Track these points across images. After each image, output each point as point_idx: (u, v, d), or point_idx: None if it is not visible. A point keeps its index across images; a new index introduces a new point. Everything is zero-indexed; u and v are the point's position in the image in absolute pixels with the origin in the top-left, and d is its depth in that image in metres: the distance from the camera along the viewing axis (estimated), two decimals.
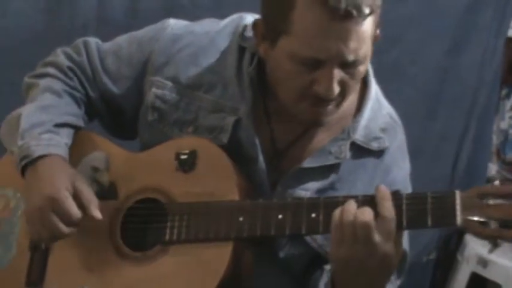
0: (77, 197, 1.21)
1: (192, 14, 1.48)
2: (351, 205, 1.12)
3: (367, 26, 1.14)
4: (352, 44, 1.13)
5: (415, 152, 2.33)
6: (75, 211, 1.19)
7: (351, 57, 1.14)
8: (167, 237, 1.20)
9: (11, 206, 1.31)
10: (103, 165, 1.27)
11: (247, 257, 1.21)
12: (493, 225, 1.09)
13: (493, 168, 2.52)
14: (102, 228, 1.23)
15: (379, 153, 1.27)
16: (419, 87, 2.33)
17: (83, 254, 1.23)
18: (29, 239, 1.28)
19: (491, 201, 1.09)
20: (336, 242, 1.12)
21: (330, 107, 1.19)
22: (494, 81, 2.43)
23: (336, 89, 1.16)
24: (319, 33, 1.13)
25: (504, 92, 2.54)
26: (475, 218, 1.09)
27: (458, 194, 1.10)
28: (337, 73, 1.15)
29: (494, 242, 1.10)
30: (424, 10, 2.22)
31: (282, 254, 1.25)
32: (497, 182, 1.11)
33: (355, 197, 1.15)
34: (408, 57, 2.26)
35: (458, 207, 1.09)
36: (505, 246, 1.11)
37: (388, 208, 1.11)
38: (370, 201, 1.13)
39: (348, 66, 1.16)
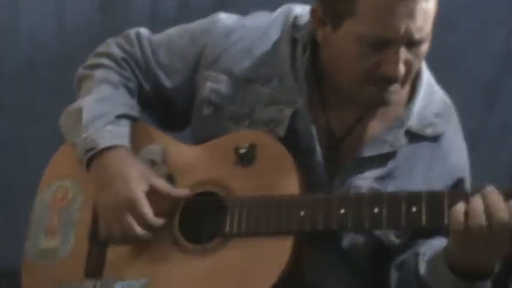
0: (154, 191, 1.23)
1: (243, 8, 1.48)
2: (479, 205, 1.08)
3: (432, 3, 1.15)
4: (419, 22, 1.14)
5: (474, 144, 2.26)
6: (152, 216, 1.22)
7: (417, 36, 1.15)
8: (227, 229, 1.20)
9: (69, 197, 1.32)
10: (160, 158, 1.27)
11: (307, 251, 1.19)
12: None
13: None
14: None
15: (435, 139, 1.26)
16: (477, 76, 2.28)
17: (141, 246, 1.24)
18: (88, 230, 1.29)
19: None
20: (460, 244, 1.10)
21: (396, 86, 1.19)
22: None
23: (402, 68, 1.16)
24: (387, 13, 1.13)
25: None
26: None
27: None
28: (403, 53, 1.16)
29: None
30: None
31: (345, 244, 1.24)
32: None
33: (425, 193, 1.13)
34: (465, 44, 2.22)
35: None
36: None
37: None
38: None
39: (413, 45, 1.16)
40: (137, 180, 1.23)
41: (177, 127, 1.38)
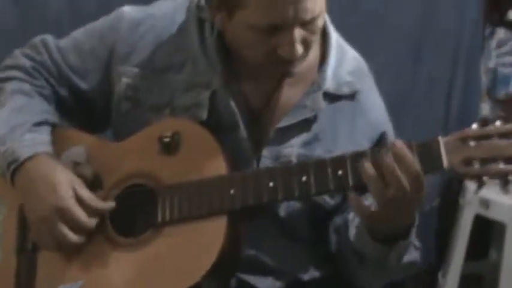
0: (79, 201, 1.21)
1: None
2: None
3: None
4: (308, 4, 1.15)
5: (405, 99, 2.35)
6: (87, 219, 1.21)
7: (308, 16, 1.17)
8: (159, 218, 1.20)
9: None
10: (83, 159, 1.26)
11: (244, 226, 1.21)
12: (476, 165, 1.11)
13: (485, 108, 2.52)
14: None
15: (352, 96, 1.29)
16: (402, 36, 2.33)
17: (74, 249, 1.23)
18: (14, 242, 1.27)
19: (471, 143, 1.12)
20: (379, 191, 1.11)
21: (296, 63, 1.21)
22: (477, 21, 2.42)
23: (300, 49, 1.18)
24: (274, 2, 1.14)
25: (488, 30, 2.52)
26: (459, 160, 1.12)
27: (441, 140, 1.12)
28: (298, 33, 1.17)
29: (480, 181, 1.12)
30: None
31: (282, 212, 1.25)
32: (474, 126, 1.13)
33: (342, 157, 1.15)
34: (386, 5, 2.25)
35: (443, 151, 1.12)
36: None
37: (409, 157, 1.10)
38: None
39: (307, 24, 1.18)
40: (65, 187, 1.21)
41: (101, 127, 1.37)
